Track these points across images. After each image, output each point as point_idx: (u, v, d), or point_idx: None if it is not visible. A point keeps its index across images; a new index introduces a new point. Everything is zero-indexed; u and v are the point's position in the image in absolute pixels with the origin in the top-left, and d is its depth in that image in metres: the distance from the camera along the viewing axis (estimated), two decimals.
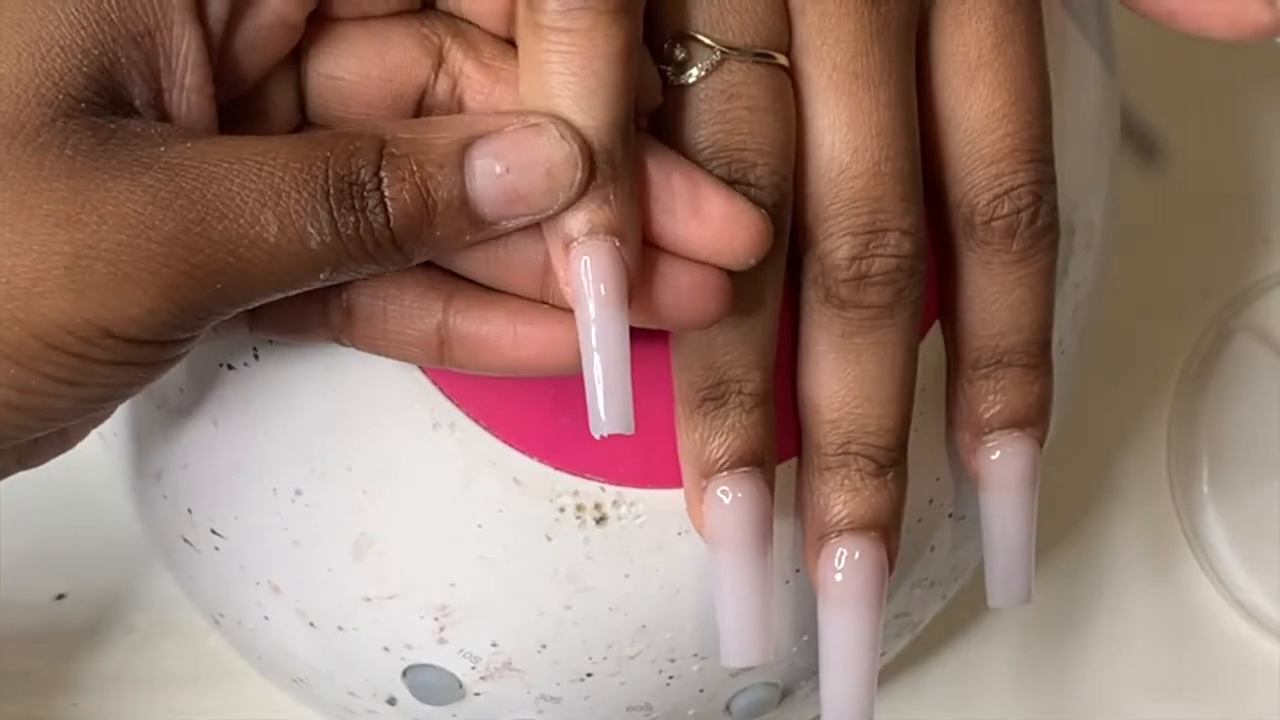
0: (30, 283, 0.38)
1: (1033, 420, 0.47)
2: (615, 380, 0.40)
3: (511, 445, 0.45)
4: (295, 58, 0.42)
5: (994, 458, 0.47)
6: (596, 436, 0.40)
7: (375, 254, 0.39)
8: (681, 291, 0.41)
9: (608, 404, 0.40)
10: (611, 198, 0.40)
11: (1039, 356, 0.46)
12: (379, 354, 0.43)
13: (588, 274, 0.40)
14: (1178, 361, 0.63)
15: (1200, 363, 0.63)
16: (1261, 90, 0.63)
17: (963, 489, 0.49)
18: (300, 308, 0.42)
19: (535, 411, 0.45)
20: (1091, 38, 0.52)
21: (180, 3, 0.39)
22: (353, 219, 0.38)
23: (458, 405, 0.45)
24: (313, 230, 0.38)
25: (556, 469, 0.45)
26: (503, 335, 0.42)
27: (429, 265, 0.42)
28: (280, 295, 0.39)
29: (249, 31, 0.41)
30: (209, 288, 0.38)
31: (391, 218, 0.39)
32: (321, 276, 0.39)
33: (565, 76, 0.39)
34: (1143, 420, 0.63)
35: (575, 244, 0.40)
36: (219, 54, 0.41)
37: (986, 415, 0.46)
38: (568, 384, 0.42)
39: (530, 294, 0.42)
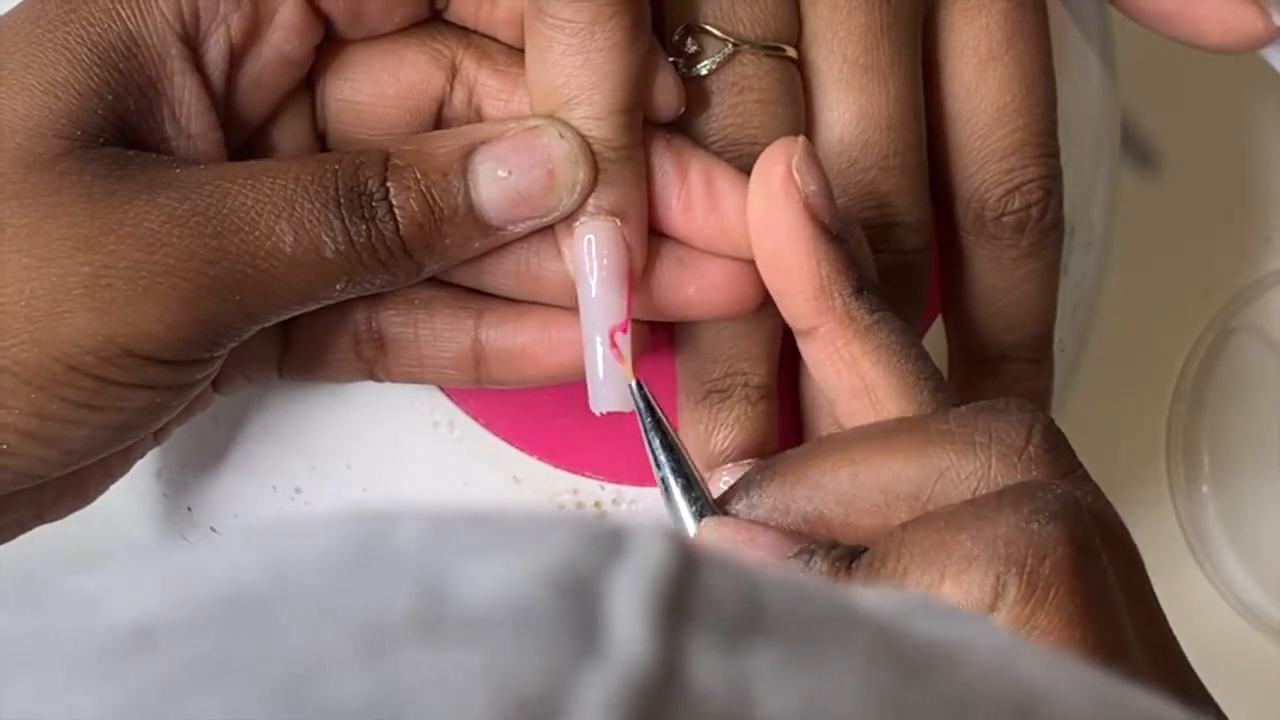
0: (50, 304, 0.38)
1: None
2: (614, 358, 0.40)
3: (511, 443, 0.45)
4: (309, 87, 0.42)
5: None
6: (596, 413, 0.41)
7: (388, 262, 0.40)
8: (713, 285, 0.42)
9: (608, 381, 0.40)
10: (613, 180, 0.40)
11: (1043, 351, 0.47)
12: (415, 381, 0.43)
13: (590, 252, 0.40)
14: (1178, 361, 0.63)
15: (1200, 363, 0.63)
16: (1261, 90, 0.63)
17: None
18: (330, 346, 0.43)
19: (535, 410, 0.45)
20: (1092, 38, 0.52)
21: (178, 53, 0.40)
22: (364, 227, 0.39)
23: (457, 404, 0.45)
24: (327, 239, 0.39)
25: (556, 467, 0.45)
26: (538, 344, 0.42)
27: (455, 286, 0.43)
28: (299, 309, 0.40)
29: (253, 71, 0.41)
30: (228, 300, 0.39)
31: (400, 225, 0.39)
32: (338, 288, 0.40)
33: (567, 68, 0.40)
34: (1143, 420, 0.63)
35: (578, 224, 0.41)
36: (224, 97, 0.41)
37: None
38: (566, 384, 0.43)
39: (562, 303, 0.42)
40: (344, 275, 0.39)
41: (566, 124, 0.40)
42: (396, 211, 0.39)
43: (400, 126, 0.42)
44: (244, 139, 0.42)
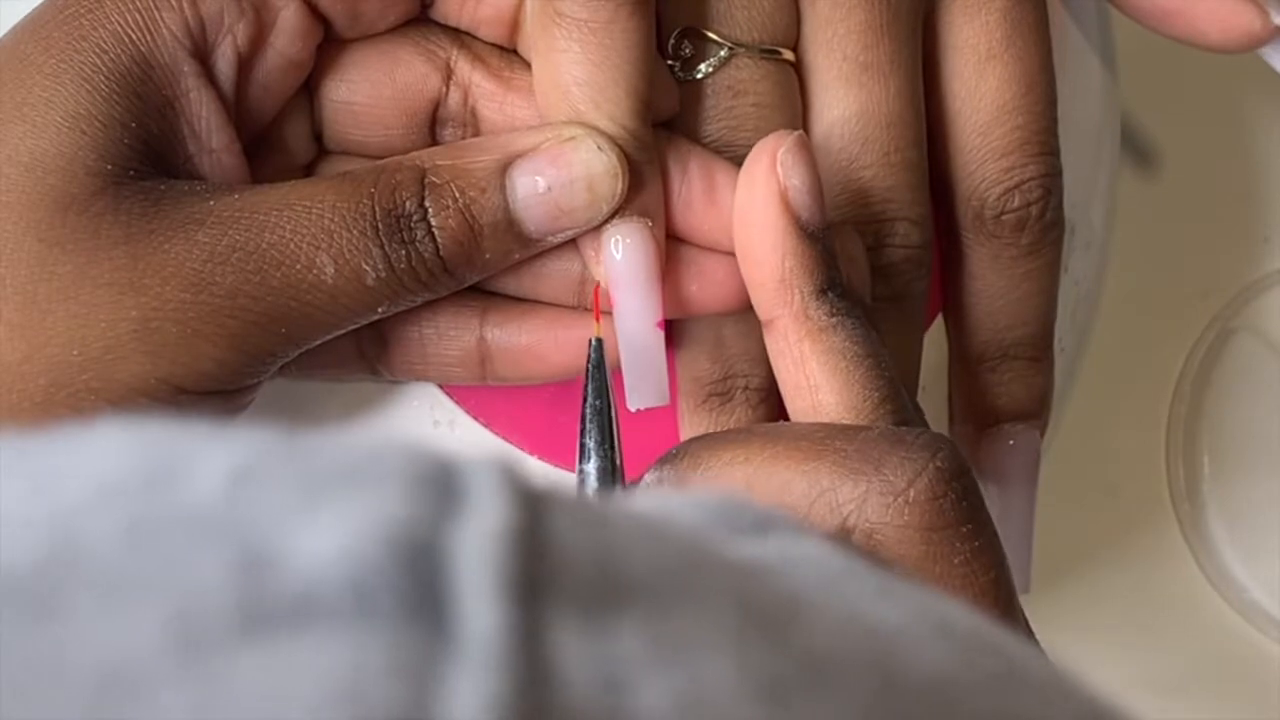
0: (101, 351, 0.38)
1: (1036, 412, 0.47)
2: (652, 355, 0.41)
3: (511, 442, 0.45)
4: (307, 88, 0.42)
5: (1000, 449, 0.47)
6: (633, 410, 0.41)
7: (429, 282, 0.40)
8: (713, 281, 0.42)
9: (646, 379, 0.41)
10: (640, 181, 0.40)
11: (1043, 349, 0.47)
12: (419, 379, 0.44)
13: (623, 254, 0.40)
14: (1178, 361, 0.63)
15: (1200, 363, 0.63)
16: (1261, 89, 0.63)
17: None
18: (331, 342, 0.43)
19: (534, 408, 0.45)
20: (1092, 38, 0.52)
21: (190, 69, 0.40)
22: (404, 251, 0.39)
23: (457, 403, 0.45)
24: (368, 268, 0.39)
25: (556, 465, 0.45)
26: (543, 343, 0.42)
27: None
28: (342, 332, 0.40)
29: (260, 77, 0.41)
30: (274, 333, 0.39)
31: (441, 246, 0.39)
32: (379, 310, 0.40)
33: (587, 66, 0.39)
34: (1143, 420, 0.63)
35: (609, 225, 0.40)
36: (235, 107, 0.41)
37: (993, 408, 0.47)
38: (566, 381, 0.43)
39: (567, 302, 0.42)
40: (386, 299, 0.40)
41: (603, 134, 0.40)
42: (436, 232, 0.39)
43: (396, 128, 0.42)
44: (249, 145, 0.42)
